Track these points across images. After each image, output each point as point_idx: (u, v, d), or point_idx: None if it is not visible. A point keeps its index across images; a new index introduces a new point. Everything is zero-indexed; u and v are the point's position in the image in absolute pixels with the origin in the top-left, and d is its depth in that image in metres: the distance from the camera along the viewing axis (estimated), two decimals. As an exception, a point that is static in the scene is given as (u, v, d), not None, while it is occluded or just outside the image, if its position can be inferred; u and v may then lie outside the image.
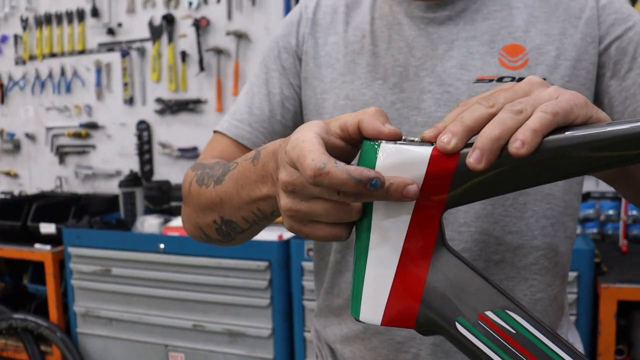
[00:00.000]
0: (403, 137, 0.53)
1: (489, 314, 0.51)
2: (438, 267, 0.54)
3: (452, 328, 0.52)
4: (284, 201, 0.54)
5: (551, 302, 0.87)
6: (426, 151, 0.51)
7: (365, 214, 0.54)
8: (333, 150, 0.53)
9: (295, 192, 0.53)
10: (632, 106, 0.81)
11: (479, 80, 0.79)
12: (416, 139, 0.53)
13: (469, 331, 0.52)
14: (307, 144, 0.49)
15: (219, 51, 3.02)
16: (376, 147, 0.52)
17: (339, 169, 0.47)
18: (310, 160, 0.48)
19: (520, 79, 0.76)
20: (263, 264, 2.33)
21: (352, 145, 0.55)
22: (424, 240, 0.54)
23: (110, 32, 3.23)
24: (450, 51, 0.82)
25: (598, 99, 0.83)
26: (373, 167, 0.51)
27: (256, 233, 0.76)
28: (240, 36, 2.97)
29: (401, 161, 0.51)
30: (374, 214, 0.54)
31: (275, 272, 2.33)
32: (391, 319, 0.54)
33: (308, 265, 2.27)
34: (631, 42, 0.81)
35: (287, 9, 2.87)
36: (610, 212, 2.30)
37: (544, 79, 0.77)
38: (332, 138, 0.54)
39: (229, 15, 3.00)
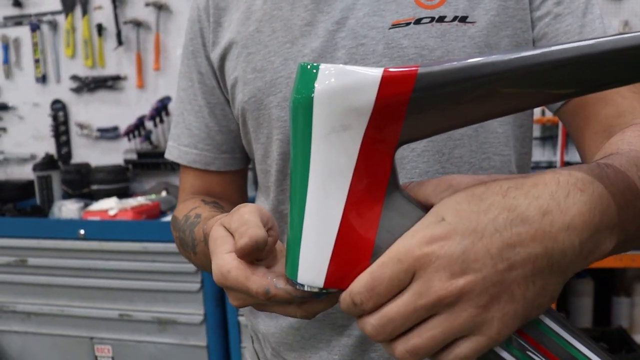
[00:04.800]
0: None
1: None
2: (392, 215, 0.46)
3: None
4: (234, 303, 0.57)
5: None
6: (375, 72, 0.43)
7: (302, 151, 0.45)
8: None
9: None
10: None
11: (394, 25, 0.74)
12: None
13: None
14: (235, 273, 0.52)
15: (138, 23, 2.87)
16: (314, 70, 0.44)
17: (281, 291, 0.50)
18: (255, 288, 0.51)
19: (441, 18, 0.72)
20: (192, 247, 2.21)
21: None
22: (373, 184, 0.46)
23: (17, 4, 3.02)
24: None
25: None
26: (310, 95, 0.43)
27: None
28: (160, 7, 2.83)
29: (345, 85, 0.43)
30: (312, 152, 0.45)
31: (206, 254, 2.22)
32: (336, 279, 0.46)
33: (240, 245, 2.18)
34: None
35: (210, -23, 2.72)
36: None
37: (466, 17, 0.72)
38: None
39: (148, -15, 2.86)
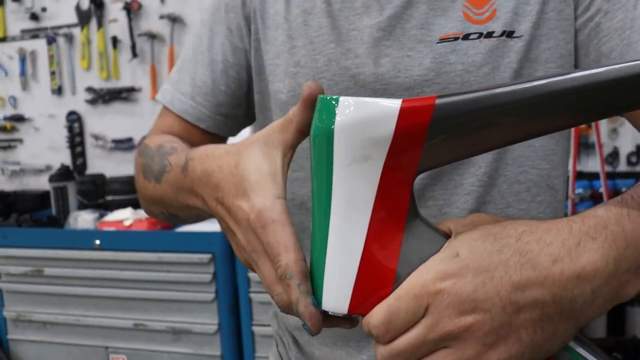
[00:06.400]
0: None
1: None
2: (412, 242, 0.47)
3: None
4: (238, 253, 0.55)
5: None
6: (394, 104, 0.44)
7: (323, 182, 0.47)
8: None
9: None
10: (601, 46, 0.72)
11: (442, 40, 0.72)
12: None
13: None
14: (279, 230, 0.49)
15: (152, 36, 2.91)
16: (334, 102, 0.45)
17: (309, 310, 0.48)
18: (284, 264, 0.48)
19: (489, 34, 0.70)
20: (206, 257, 2.24)
21: None
22: (394, 211, 0.47)
23: (34, 17, 3.07)
24: (409, 9, 0.74)
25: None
26: (331, 127, 0.45)
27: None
28: (174, 20, 2.87)
29: (364, 118, 0.44)
30: (333, 183, 0.46)
31: (219, 264, 2.25)
32: (360, 305, 0.47)
33: (254, 256, 2.19)
34: None
35: (223, -10, 2.76)
36: (558, 190, 2.30)
37: (512, 31, 0.70)
38: (286, 174, 0.53)
39: (162, -2, 2.89)
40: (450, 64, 0.71)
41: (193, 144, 0.85)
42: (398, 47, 0.73)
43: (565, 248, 0.43)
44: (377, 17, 0.75)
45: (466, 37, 0.71)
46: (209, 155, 0.59)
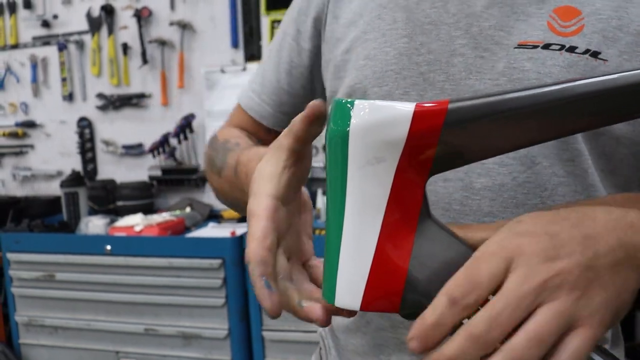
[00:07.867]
0: None
1: None
2: (424, 242, 0.48)
3: None
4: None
5: None
6: (407, 108, 0.45)
7: (338, 183, 0.48)
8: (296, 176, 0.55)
9: None
10: None
11: (520, 46, 0.69)
12: None
13: None
14: (254, 227, 0.51)
15: (162, 42, 2.93)
16: (349, 106, 0.46)
17: (262, 291, 0.49)
18: (246, 253, 0.51)
19: (571, 48, 0.67)
20: (216, 262, 2.26)
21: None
22: (406, 212, 0.48)
23: (46, 24, 3.10)
24: (491, 8, 0.71)
25: None
26: (346, 129, 0.46)
27: None
28: (184, 26, 2.89)
29: (379, 121, 0.45)
30: (348, 183, 0.47)
31: (230, 269, 2.27)
32: (372, 302, 0.48)
33: (264, 261, 2.20)
34: None
35: (233, -3, 2.80)
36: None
37: (598, 52, 0.66)
38: (286, 176, 0.54)
39: (172, 5, 2.92)
40: (525, 71, 0.68)
41: (259, 138, 0.90)
42: (472, 47, 0.70)
43: (616, 210, 0.46)
44: (456, 13, 0.72)
45: (546, 46, 0.68)
46: (250, 161, 0.63)
